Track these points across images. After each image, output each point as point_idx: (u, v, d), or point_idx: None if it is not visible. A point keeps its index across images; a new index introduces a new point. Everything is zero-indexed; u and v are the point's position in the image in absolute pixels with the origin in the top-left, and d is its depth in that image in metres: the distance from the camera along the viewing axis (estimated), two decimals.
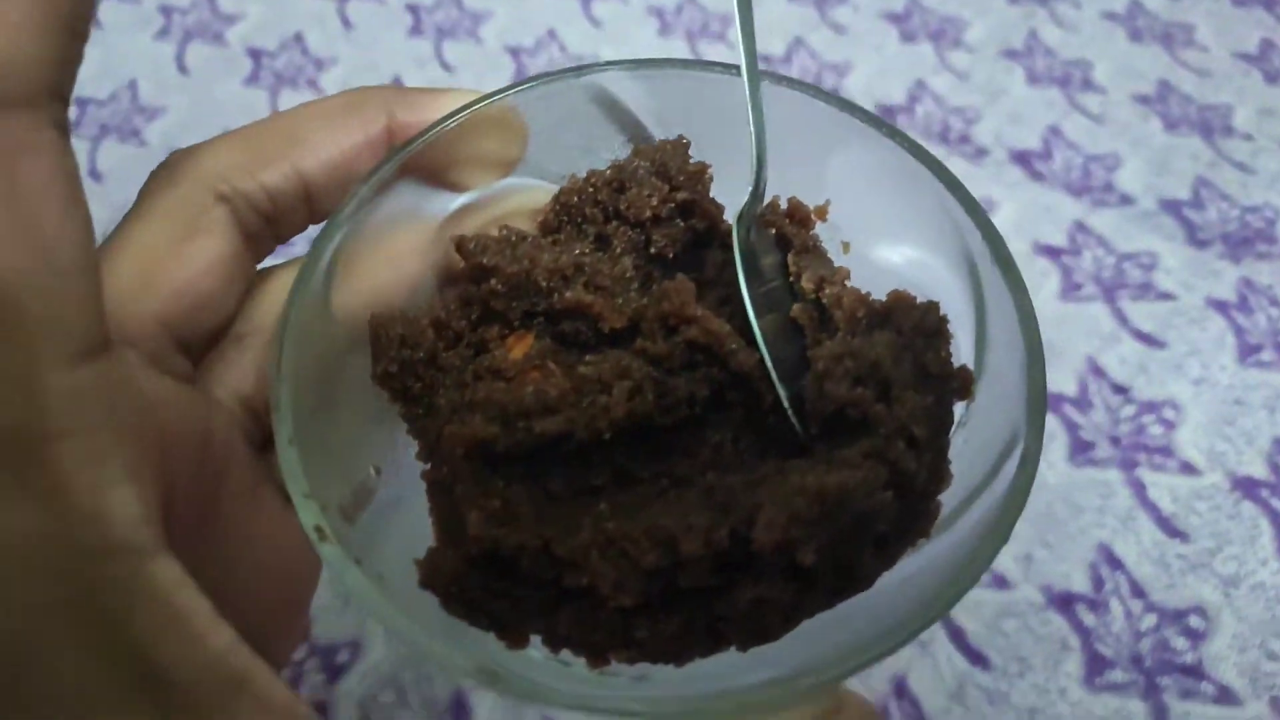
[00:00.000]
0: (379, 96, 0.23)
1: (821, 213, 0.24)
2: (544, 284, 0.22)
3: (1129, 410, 0.50)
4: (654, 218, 0.23)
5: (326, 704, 0.41)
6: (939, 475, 0.20)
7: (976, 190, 0.21)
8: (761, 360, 0.21)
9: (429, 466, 0.21)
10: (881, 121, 0.22)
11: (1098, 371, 0.51)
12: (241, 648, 0.17)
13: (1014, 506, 0.18)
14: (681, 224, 0.24)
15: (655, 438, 0.21)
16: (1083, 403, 0.50)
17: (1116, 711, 0.41)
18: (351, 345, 0.22)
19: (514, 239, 0.23)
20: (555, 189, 0.24)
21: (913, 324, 0.20)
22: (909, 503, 0.19)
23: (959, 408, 0.21)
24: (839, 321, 0.22)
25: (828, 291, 0.22)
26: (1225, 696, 0.41)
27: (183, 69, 0.63)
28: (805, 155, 0.23)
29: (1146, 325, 0.52)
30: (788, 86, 0.23)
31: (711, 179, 0.24)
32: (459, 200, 0.23)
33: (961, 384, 0.21)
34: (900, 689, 0.41)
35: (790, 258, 0.23)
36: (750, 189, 0.22)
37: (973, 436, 0.21)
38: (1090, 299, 0.53)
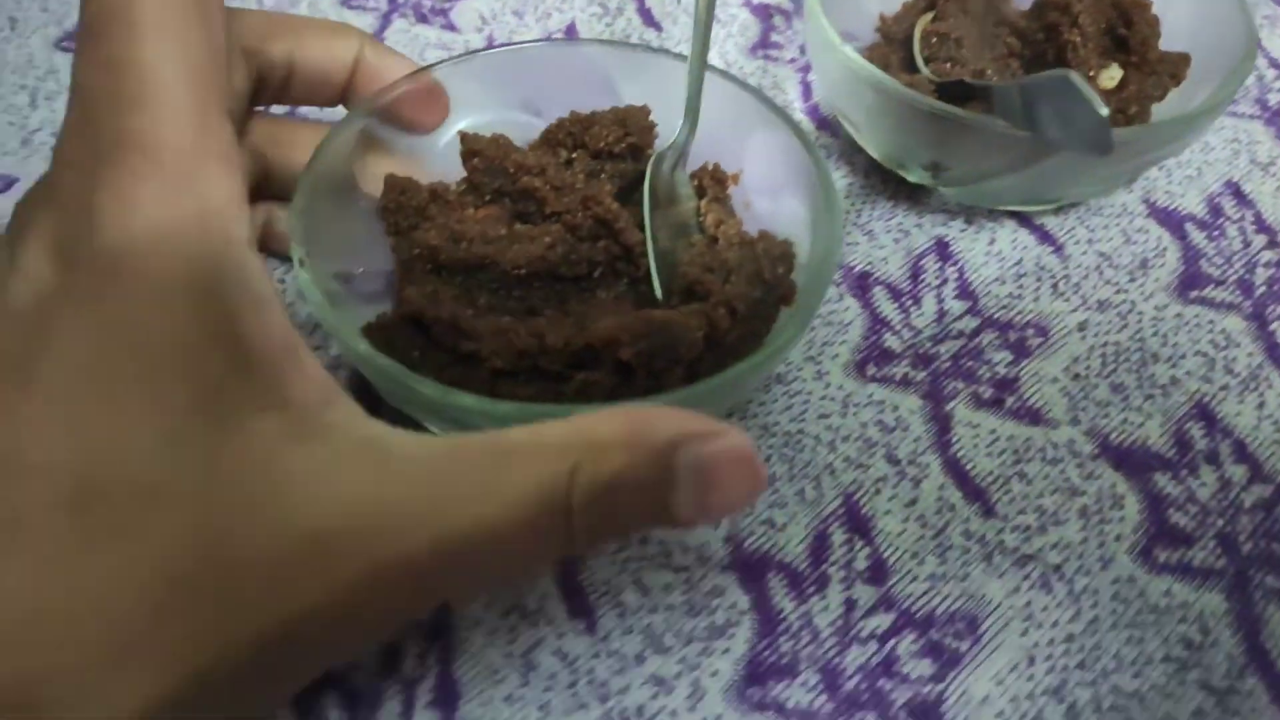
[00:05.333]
0: (358, 33, 0.29)
1: (735, 178, 0.31)
2: (511, 170, 0.29)
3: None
4: (608, 152, 0.30)
5: None
6: (748, 343, 0.26)
7: None
8: (644, 240, 0.29)
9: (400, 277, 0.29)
10: (783, 112, 0.29)
11: None
12: (290, 325, 0.20)
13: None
14: (629, 163, 0.31)
15: (559, 287, 0.28)
16: None
17: (1212, 323, 0.33)
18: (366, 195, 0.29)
19: (501, 142, 0.30)
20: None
21: (769, 250, 0.27)
22: (717, 353, 0.26)
23: None
24: (722, 247, 0.29)
25: (720, 229, 0.30)
26: None
27: None
28: (731, 133, 0.30)
29: None
30: (723, 78, 0.30)
31: (658, 135, 0.31)
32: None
33: (786, 292, 0.27)
34: (951, 258, 0.34)
35: (703, 203, 0.31)
36: (672, 140, 0.30)
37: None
38: None
